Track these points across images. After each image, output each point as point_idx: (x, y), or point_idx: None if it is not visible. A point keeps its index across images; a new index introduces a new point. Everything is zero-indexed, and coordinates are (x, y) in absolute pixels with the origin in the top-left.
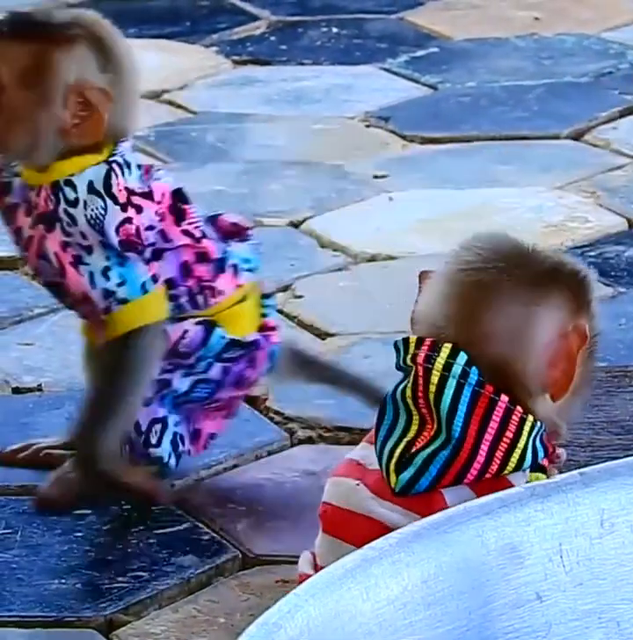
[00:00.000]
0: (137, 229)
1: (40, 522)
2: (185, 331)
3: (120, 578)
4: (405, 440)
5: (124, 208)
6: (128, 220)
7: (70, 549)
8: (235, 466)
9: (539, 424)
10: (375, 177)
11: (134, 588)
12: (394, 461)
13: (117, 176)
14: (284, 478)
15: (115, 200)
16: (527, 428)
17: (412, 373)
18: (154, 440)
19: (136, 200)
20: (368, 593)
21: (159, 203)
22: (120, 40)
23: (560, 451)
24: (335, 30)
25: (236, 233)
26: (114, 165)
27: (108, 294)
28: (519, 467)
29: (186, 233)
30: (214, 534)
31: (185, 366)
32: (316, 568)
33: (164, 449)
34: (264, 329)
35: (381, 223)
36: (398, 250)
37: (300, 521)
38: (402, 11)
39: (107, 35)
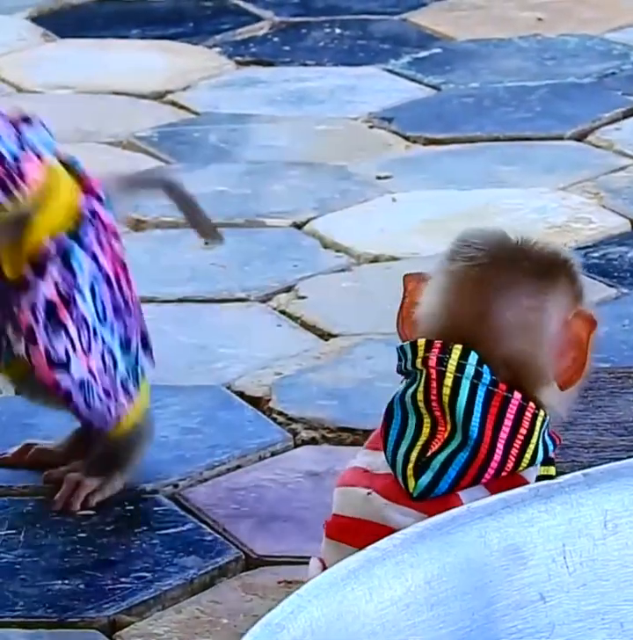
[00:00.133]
0: None
1: (43, 523)
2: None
3: (123, 579)
4: (419, 443)
5: None
6: None
7: (73, 549)
8: (238, 467)
9: (548, 417)
10: (379, 177)
11: (137, 589)
12: (411, 465)
13: None
14: (287, 479)
15: None
16: (538, 424)
17: (423, 376)
18: None
19: None
20: (372, 594)
21: None
22: None
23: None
24: (338, 31)
25: (23, 120)
26: None
27: None
28: (532, 462)
29: None
30: (217, 535)
31: None
32: None
33: None
34: (87, 190)
35: (385, 224)
36: (401, 250)
37: (303, 522)
38: (405, 12)
39: None
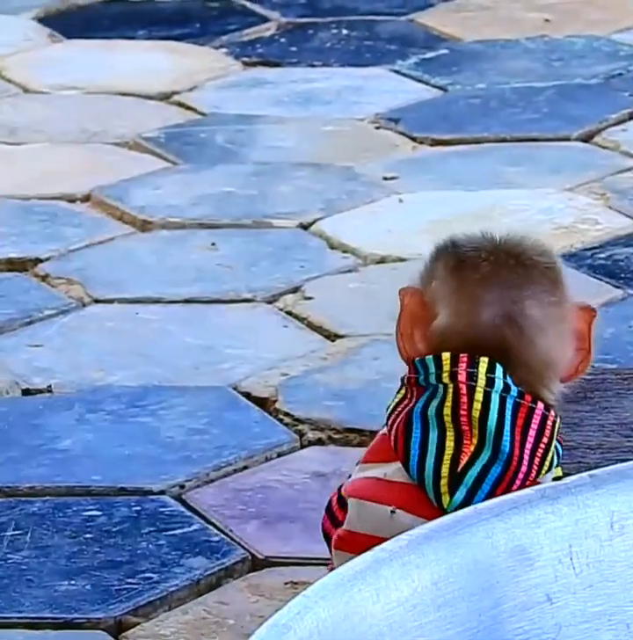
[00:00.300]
0: None
1: (49, 524)
2: None
3: (129, 580)
4: (447, 457)
5: None
6: None
7: (80, 550)
8: (244, 467)
9: (560, 421)
10: (385, 178)
11: (143, 589)
12: (445, 481)
13: None
14: (294, 480)
15: None
16: (556, 430)
17: (451, 390)
18: None
19: None
20: (378, 595)
21: None
22: None
23: None
24: (345, 31)
25: None
26: None
27: None
28: (549, 468)
29: None
30: (224, 536)
31: None
32: None
33: None
34: None
35: (391, 225)
36: (408, 251)
37: (310, 523)
38: (412, 13)
39: None
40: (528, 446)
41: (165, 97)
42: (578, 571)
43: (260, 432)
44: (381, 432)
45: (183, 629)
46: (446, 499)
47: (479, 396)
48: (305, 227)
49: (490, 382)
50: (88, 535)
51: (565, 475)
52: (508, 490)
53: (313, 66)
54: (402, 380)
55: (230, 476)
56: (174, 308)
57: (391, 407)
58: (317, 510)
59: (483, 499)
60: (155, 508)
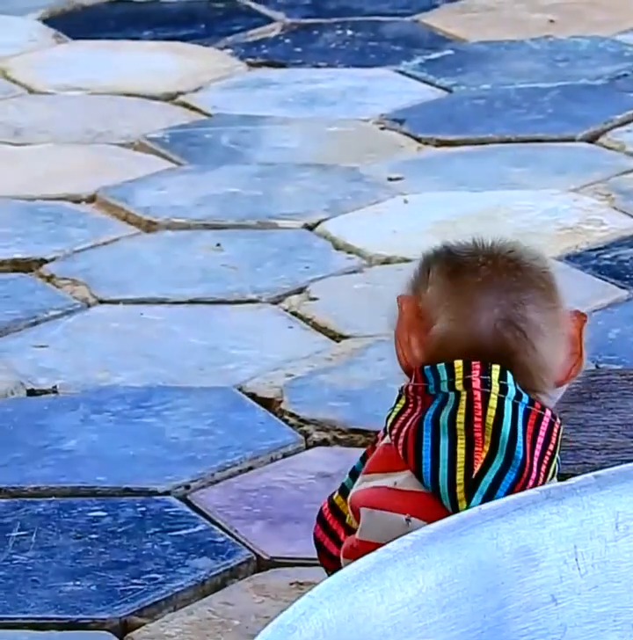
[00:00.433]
0: None
1: (54, 524)
2: None
3: (134, 580)
4: (460, 464)
5: None
6: None
7: (85, 551)
8: (250, 468)
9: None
10: (390, 179)
11: (148, 590)
12: (461, 488)
13: None
14: (299, 480)
15: None
16: (560, 437)
17: (465, 397)
18: None
19: None
20: (383, 596)
21: None
22: None
23: None
24: (350, 32)
25: None
26: None
27: None
28: (554, 473)
29: None
30: (229, 537)
31: None
32: None
33: None
34: None
35: (396, 226)
36: (413, 252)
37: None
38: (416, 14)
39: None
40: (537, 452)
41: (170, 97)
42: (583, 572)
43: (265, 432)
44: (381, 443)
45: (188, 630)
46: (462, 506)
47: (493, 402)
48: (310, 227)
49: (503, 389)
50: (93, 536)
51: (570, 475)
52: None
53: (318, 67)
54: (400, 390)
55: (235, 476)
56: (179, 308)
57: (392, 417)
58: None
59: None
60: (160, 509)
